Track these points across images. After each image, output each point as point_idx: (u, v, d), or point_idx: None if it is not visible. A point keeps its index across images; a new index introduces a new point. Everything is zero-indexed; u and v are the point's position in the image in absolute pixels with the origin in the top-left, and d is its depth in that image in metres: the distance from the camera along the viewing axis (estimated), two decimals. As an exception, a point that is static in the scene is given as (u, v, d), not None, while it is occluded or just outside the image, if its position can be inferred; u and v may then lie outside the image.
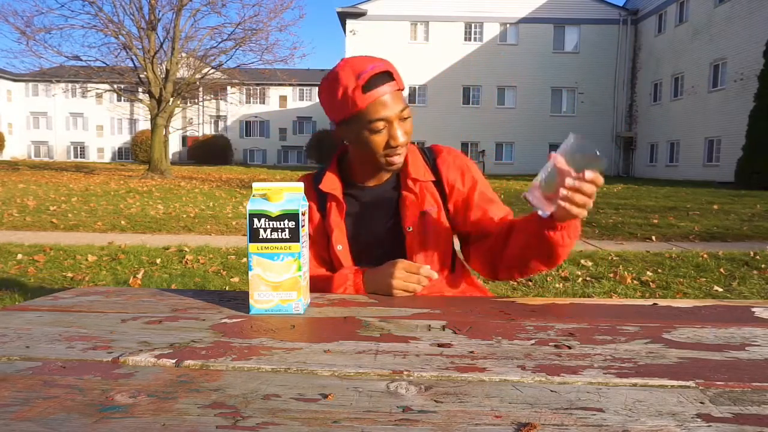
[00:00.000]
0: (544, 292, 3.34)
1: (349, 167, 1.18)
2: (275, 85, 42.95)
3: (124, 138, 47.11)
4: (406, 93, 26.40)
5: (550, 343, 0.70)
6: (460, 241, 1.22)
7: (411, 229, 1.13)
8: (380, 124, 1.02)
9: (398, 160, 1.08)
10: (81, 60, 17.43)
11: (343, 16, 26.71)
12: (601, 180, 0.88)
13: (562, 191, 0.87)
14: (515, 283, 3.55)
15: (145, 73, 17.29)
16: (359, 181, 1.17)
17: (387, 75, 1.02)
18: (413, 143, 1.21)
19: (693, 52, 21.44)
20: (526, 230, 1.02)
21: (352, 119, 1.04)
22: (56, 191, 10.63)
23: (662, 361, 0.64)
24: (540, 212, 0.94)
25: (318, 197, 1.19)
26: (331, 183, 1.15)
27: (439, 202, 1.15)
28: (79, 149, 47.33)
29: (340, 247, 1.14)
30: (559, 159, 0.88)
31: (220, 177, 18.46)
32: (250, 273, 0.85)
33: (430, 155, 1.20)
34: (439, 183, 1.16)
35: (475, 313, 0.87)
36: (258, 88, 43.84)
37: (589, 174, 0.86)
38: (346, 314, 0.86)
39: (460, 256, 1.24)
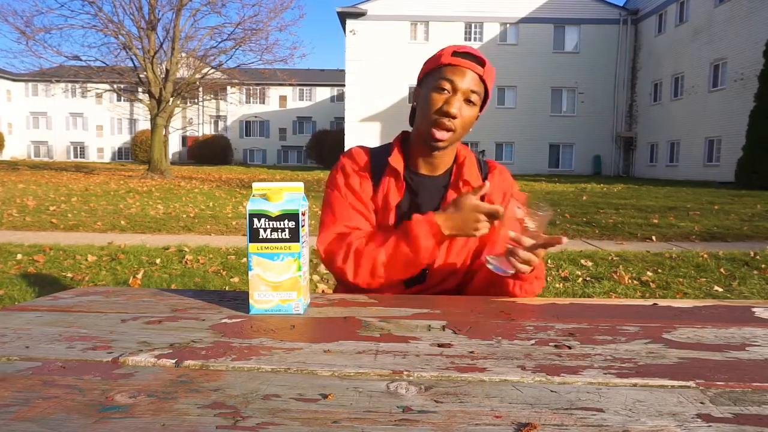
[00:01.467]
0: (545, 292, 3.34)
1: (409, 150, 1.20)
2: (275, 85, 42.95)
3: (124, 138, 47.10)
4: (404, 92, 26.57)
5: (550, 343, 0.70)
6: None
7: None
8: (446, 84, 1.07)
9: (442, 135, 1.09)
10: (81, 60, 17.43)
11: (343, 16, 26.70)
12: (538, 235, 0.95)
13: (509, 247, 0.95)
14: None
15: (145, 73, 17.28)
16: (414, 167, 1.19)
17: (480, 60, 1.09)
18: (473, 150, 1.25)
19: (693, 52, 21.44)
20: (486, 273, 1.07)
21: (431, 75, 1.11)
22: (56, 191, 10.63)
23: (662, 361, 0.64)
24: (504, 273, 0.99)
25: (373, 171, 1.19)
26: (397, 160, 1.17)
27: None
28: (78, 149, 47.32)
29: (390, 225, 1.15)
30: (514, 220, 0.96)
31: (220, 177, 18.46)
32: (250, 273, 0.85)
33: (485, 168, 1.23)
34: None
35: (475, 313, 0.87)
36: (258, 88, 43.84)
37: (532, 246, 0.94)
38: (346, 314, 0.86)
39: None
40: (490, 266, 0.98)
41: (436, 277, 1.15)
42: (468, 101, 1.08)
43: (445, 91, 1.07)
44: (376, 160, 1.19)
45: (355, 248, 1.07)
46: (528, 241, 0.93)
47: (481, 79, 1.09)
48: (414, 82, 26.54)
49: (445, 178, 1.19)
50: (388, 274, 1.06)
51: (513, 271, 0.97)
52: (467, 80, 1.07)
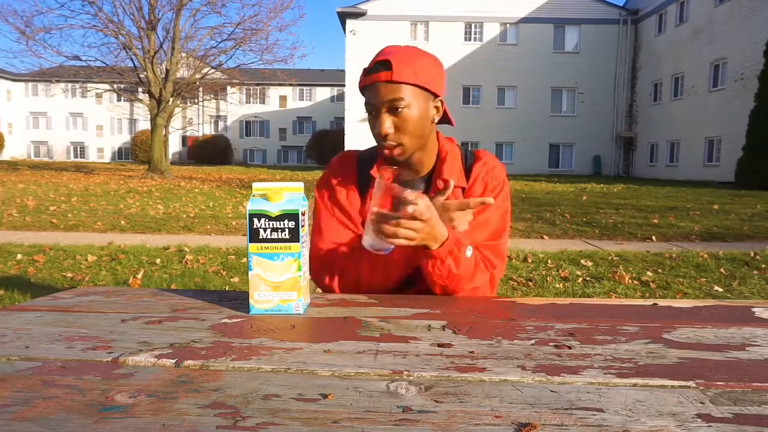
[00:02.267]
0: (544, 292, 3.34)
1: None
2: (275, 85, 42.95)
3: (124, 138, 47.11)
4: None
5: (550, 343, 0.70)
6: None
7: None
8: (369, 107, 1.06)
9: (389, 153, 1.07)
10: (81, 60, 17.44)
11: (343, 16, 26.71)
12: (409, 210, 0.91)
13: (387, 228, 0.91)
14: (515, 283, 3.55)
15: (144, 73, 17.29)
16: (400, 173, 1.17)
17: (384, 64, 1.03)
18: (459, 145, 1.21)
19: (693, 52, 21.45)
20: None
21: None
22: (56, 191, 10.63)
23: (662, 361, 0.64)
24: (385, 251, 0.96)
25: (359, 178, 1.17)
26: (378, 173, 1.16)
27: None
28: (78, 149, 47.33)
29: None
30: (376, 199, 0.93)
31: (220, 177, 18.46)
32: (250, 273, 0.85)
33: (470, 159, 1.17)
34: (464, 190, 1.14)
35: (475, 313, 0.87)
36: (258, 88, 43.85)
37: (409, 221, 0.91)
38: (346, 314, 0.86)
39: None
40: (366, 245, 0.96)
41: (424, 284, 1.12)
42: (394, 109, 1.03)
43: (372, 113, 1.06)
44: (363, 168, 1.17)
45: (339, 268, 1.09)
46: (409, 210, 0.90)
47: (393, 81, 1.02)
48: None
49: (428, 177, 1.15)
50: (373, 286, 1.07)
51: (392, 247, 0.95)
52: (379, 94, 1.03)
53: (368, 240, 0.95)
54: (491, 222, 1.11)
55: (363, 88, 1.07)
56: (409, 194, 0.92)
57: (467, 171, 1.15)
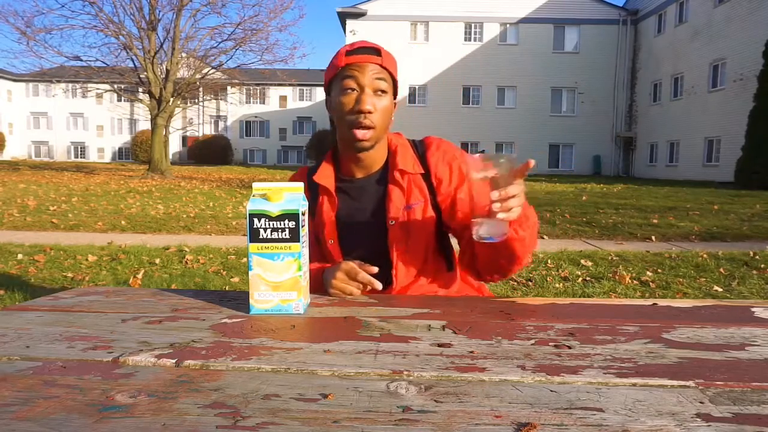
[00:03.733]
0: (544, 292, 3.34)
1: (340, 159, 1.19)
2: (275, 85, 42.94)
3: (124, 138, 47.10)
4: (405, 92, 26.55)
5: (550, 343, 0.70)
6: (457, 240, 1.21)
7: (393, 223, 1.12)
8: (351, 83, 1.06)
9: (363, 134, 1.07)
10: (81, 60, 17.43)
11: (343, 16, 26.70)
12: (516, 181, 0.88)
13: (494, 206, 0.87)
14: (515, 283, 3.55)
15: (145, 73, 17.29)
16: (349, 174, 1.18)
17: (374, 50, 1.08)
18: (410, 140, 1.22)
19: (693, 52, 21.44)
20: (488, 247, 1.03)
21: (334, 80, 1.10)
22: (56, 191, 10.63)
23: (662, 361, 0.64)
24: (493, 240, 0.93)
25: (310, 191, 1.20)
26: (325, 175, 1.17)
27: (426, 196, 1.14)
28: (79, 149, 47.32)
29: (332, 241, 1.16)
30: (478, 174, 0.89)
31: (220, 177, 18.46)
32: (250, 273, 0.85)
33: (421, 147, 1.20)
34: (427, 177, 1.16)
35: (475, 313, 0.87)
36: (258, 88, 43.85)
37: (513, 188, 0.87)
38: (346, 314, 0.86)
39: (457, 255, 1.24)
40: (486, 240, 0.93)
41: (403, 279, 1.14)
42: (378, 92, 1.07)
43: (353, 91, 1.07)
44: (311, 178, 1.20)
45: None
46: (511, 190, 0.88)
47: (382, 67, 1.08)
48: (414, 82, 26.78)
49: (381, 173, 1.17)
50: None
51: (507, 232, 0.92)
52: (369, 73, 1.06)
53: (485, 229, 0.91)
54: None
55: (338, 71, 1.07)
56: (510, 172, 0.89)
57: (421, 159, 1.17)
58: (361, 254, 1.12)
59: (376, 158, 1.16)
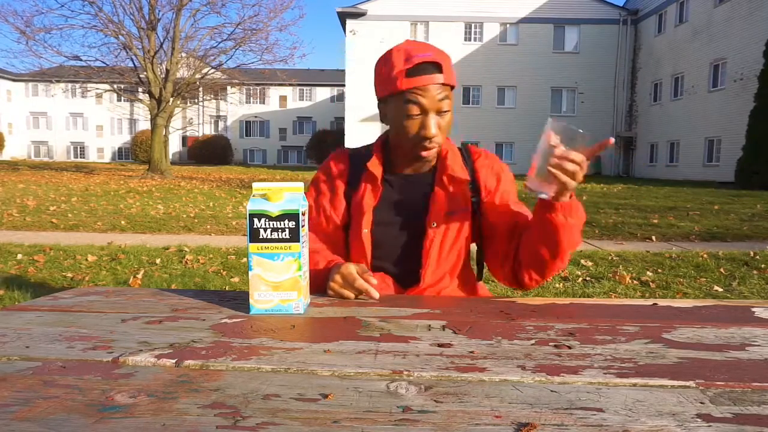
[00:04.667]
0: (544, 292, 3.34)
1: (390, 151, 1.18)
2: (275, 85, 42.95)
3: (124, 138, 47.11)
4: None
5: (550, 343, 0.70)
6: (484, 244, 1.20)
7: (435, 225, 1.12)
8: (415, 110, 1.04)
9: (428, 154, 1.08)
10: (81, 60, 17.43)
11: (343, 16, 26.69)
12: (584, 155, 0.90)
13: (553, 160, 0.88)
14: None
15: (145, 73, 17.28)
16: (397, 168, 1.17)
17: (436, 66, 1.03)
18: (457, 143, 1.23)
19: (693, 52, 21.44)
20: (533, 221, 1.04)
21: (393, 99, 1.07)
22: (56, 191, 10.63)
23: (662, 361, 0.64)
24: (542, 195, 0.95)
25: (350, 174, 1.18)
26: (375, 164, 1.15)
27: (469, 204, 1.14)
28: (79, 149, 47.33)
29: (366, 230, 1.14)
30: (552, 136, 0.89)
31: (220, 177, 18.46)
32: (250, 273, 0.85)
33: (468, 156, 1.20)
34: (474, 185, 1.16)
35: (475, 313, 0.87)
36: (258, 88, 43.85)
37: (576, 154, 0.89)
38: (346, 314, 0.86)
39: (474, 269, 1.25)
40: (530, 187, 0.94)
41: (430, 279, 1.14)
42: (440, 112, 1.06)
43: (417, 117, 1.04)
44: (356, 163, 1.19)
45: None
46: (577, 156, 0.88)
47: (445, 84, 1.05)
48: (414, 82, 26.76)
49: (430, 174, 1.17)
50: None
51: (552, 193, 0.93)
52: (432, 96, 1.03)
53: (535, 183, 0.92)
54: (515, 197, 1.19)
55: (399, 91, 1.04)
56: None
57: (468, 166, 1.18)
58: (393, 248, 1.13)
59: (428, 160, 1.16)
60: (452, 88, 1.08)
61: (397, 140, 1.12)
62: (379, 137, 1.22)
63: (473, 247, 1.23)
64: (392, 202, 1.16)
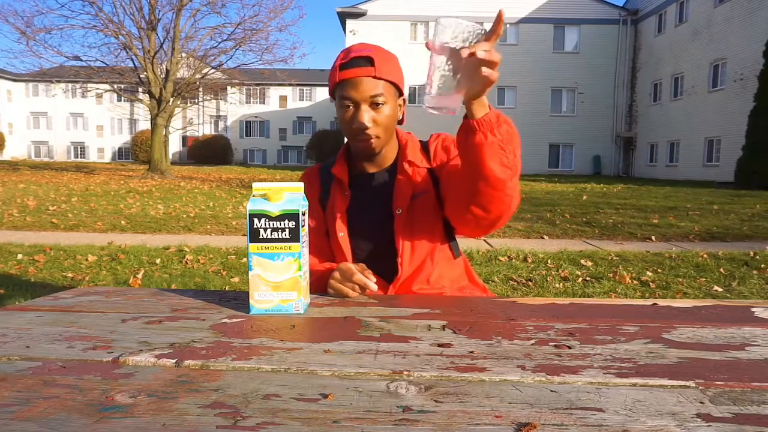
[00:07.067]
0: (544, 292, 3.34)
1: (353, 155, 1.23)
2: (275, 85, 42.96)
3: (124, 138, 47.10)
4: (406, 92, 26.40)
5: (550, 343, 0.70)
6: (446, 210, 1.16)
7: (400, 212, 1.15)
8: (347, 102, 1.08)
9: (365, 146, 1.11)
10: (81, 60, 17.43)
11: (343, 16, 26.70)
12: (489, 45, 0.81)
13: (467, 60, 0.79)
14: (515, 283, 3.55)
15: (145, 73, 17.29)
16: (362, 168, 1.21)
17: (368, 60, 1.07)
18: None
19: (693, 52, 21.43)
20: (459, 152, 0.99)
21: (334, 93, 1.12)
22: (56, 191, 10.63)
23: (662, 361, 0.64)
24: (446, 112, 0.84)
25: (321, 185, 1.24)
26: (340, 169, 1.21)
27: (431, 187, 1.17)
28: (79, 149, 47.32)
29: (342, 233, 1.18)
30: (436, 47, 0.80)
31: (220, 177, 18.45)
32: (250, 273, 0.85)
33: (425, 144, 1.25)
34: (432, 170, 1.19)
35: (475, 313, 0.87)
36: (258, 88, 43.86)
37: (482, 46, 0.80)
38: (346, 314, 0.86)
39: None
40: (432, 106, 0.83)
41: (409, 267, 1.15)
42: (375, 105, 1.08)
43: (349, 107, 1.09)
44: (325, 174, 1.25)
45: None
46: (486, 45, 0.81)
47: (376, 77, 1.07)
48: (414, 83, 26.77)
49: (392, 167, 1.21)
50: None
51: (457, 106, 0.84)
52: (362, 88, 1.06)
53: (436, 99, 0.81)
54: None
55: (337, 84, 1.09)
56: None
57: (426, 153, 1.22)
58: (369, 245, 1.16)
59: (386, 155, 1.20)
60: (397, 87, 1.12)
61: (345, 136, 1.15)
62: (344, 144, 1.26)
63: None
64: (363, 201, 1.20)
